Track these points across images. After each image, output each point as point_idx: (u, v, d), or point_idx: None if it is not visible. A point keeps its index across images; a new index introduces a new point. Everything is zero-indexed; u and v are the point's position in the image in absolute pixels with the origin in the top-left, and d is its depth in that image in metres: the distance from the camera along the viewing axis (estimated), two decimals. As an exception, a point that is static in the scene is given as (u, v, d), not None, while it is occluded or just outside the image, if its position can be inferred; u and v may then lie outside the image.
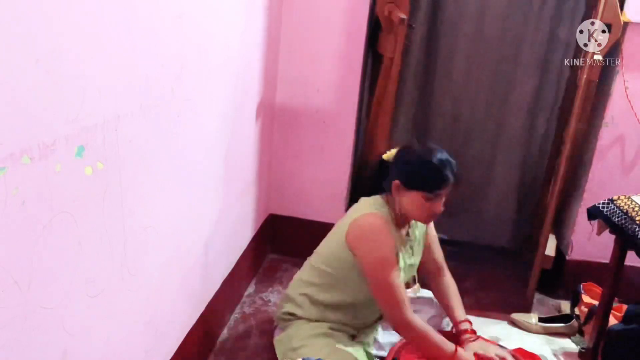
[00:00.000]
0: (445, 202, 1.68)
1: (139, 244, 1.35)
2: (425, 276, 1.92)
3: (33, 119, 0.91)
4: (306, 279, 1.83)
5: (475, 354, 1.69)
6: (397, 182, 1.68)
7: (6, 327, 0.91)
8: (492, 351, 1.71)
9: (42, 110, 0.93)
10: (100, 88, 1.08)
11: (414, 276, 1.88)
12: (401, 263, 1.72)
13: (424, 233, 1.88)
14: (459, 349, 1.66)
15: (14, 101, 0.86)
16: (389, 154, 1.77)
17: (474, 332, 1.78)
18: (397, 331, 1.73)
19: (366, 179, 1.88)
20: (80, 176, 1.06)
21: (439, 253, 1.92)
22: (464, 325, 1.78)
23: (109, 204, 1.17)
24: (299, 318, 1.79)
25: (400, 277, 1.67)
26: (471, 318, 1.84)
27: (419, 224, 1.84)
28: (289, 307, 1.82)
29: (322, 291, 1.77)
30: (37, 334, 1.00)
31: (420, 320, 1.67)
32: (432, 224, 1.91)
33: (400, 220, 1.75)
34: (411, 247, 1.81)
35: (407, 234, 1.80)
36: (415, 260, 1.84)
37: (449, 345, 1.65)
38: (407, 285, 1.87)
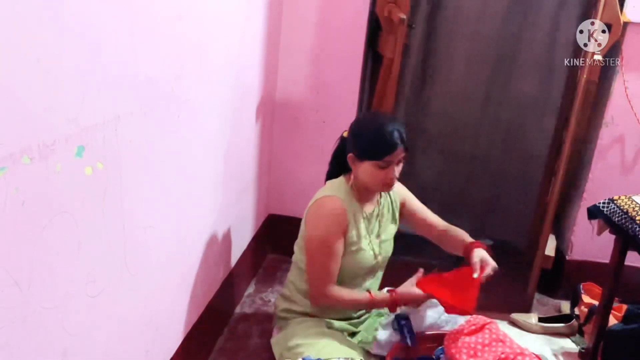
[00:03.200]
0: (401, 169, 1.72)
1: (139, 244, 1.35)
2: (437, 244, 1.95)
3: (33, 119, 0.91)
4: (294, 274, 1.87)
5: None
6: (350, 154, 1.72)
7: (6, 327, 0.91)
8: (412, 290, 1.74)
9: (42, 110, 0.93)
10: (100, 88, 1.08)
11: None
12: (359, 238, 1.75)
13: (396, 208, 1.89)
14: (373, 293, 1.74)
15: (14, 101, 0.86)
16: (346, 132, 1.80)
17: (482, 245, 1.84)
18: (314, 303, 1.77)
19: (333, 159, 1.88)
20: (80, 176, 1.06)
21: (433, 218, 1.93)
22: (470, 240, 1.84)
23: (109, 204, 1.17)
24: (297, 313, 1.80)
25: (337, 258, 1.71)
26: (471, 318, 1.84)
27: (388, 200, 1.87)
28: (285, 305, 1.85)
29: (307, 284, 1.80)
30: (37, 334, 1.00)
31: (337, 290, 1.73)
32: (411, 197, 1.93)
33: (364, 196, 1.77)
34: (379, 222, 1.83)
35: (374, 210, 1.82)
36: (387, 237, 1.86)
37: (363, 296, 1.74)
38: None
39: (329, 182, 1.83)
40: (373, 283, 1.87)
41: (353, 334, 1.82)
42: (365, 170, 1.68)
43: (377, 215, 1.83)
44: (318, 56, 2.44)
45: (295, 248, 1.88)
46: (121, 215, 1.23)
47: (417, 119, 2.85)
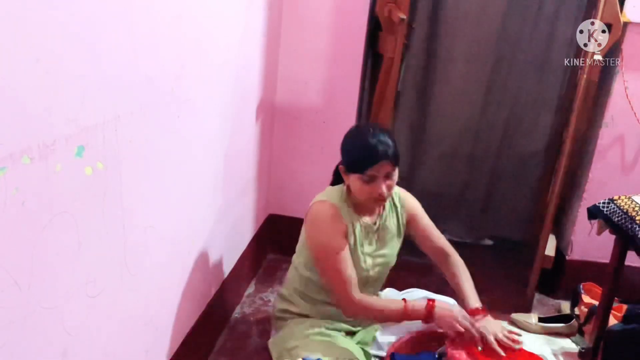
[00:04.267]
0: (389, 184, 1.64)
1: (139, 244, 1.35)
2: (436, 265, 1.89)
3: (33, 119, 0.91)
4: (292, 275, 1.85)
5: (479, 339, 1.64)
6: (341, 166, 1.71)
7: (6, 327, 0.91)
8: (489, 332, 1.63)
9: (42, 110, 0.93)
10: (100, 88, 1.08)
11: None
12: (354, 246, 1.71)
13: (402, 224, 1.83)
14: (408, 302, 1.65)
15: (14, 101, 0.86)
16: None
17: (483, 310, 1.72)
18: (344, 313, 1.72)
19: (335, 171, 1.84)
20: (80, 176, 1.06)
21: (438, 240, 1.87)
22: (474, 305, 1.73)
23: (109, 204, 1.17)
24: (294, 314, 1.80)
25: (348, 262, 1.66)
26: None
27: (395, 214, 1.82)
28: (283, 305, 1.84)
29: (306, 286, 1.79)
30: (37, 334, 1.00)
31: (366, 296, 1.68)
32: (420, 213, 1.87)
33: (362, 207, 1.74)
34: (378, 238, 1.78)
35: (376, 223, 1.77)
36: (389, 251, 1.80)
37: (397, 304, 1.66)
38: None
39: (328, 188, 1.81)
40: None
41: (352, 334, 1.82)
42: (353, 183, 1.66)
43: (377, 229, 1.78)
44: (318, 56, 2.44)
45: (297, 248, 1.87)
46: (121, 215, 1.23)
47: (417, 119, 2.85)
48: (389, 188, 1.65)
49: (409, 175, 2.92)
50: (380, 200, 1.67)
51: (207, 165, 1.79)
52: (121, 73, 1.16)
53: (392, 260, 1.84)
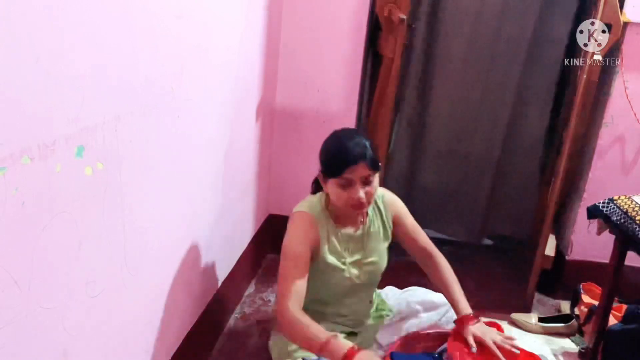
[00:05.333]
0: (367, 190, 1.58)
1: (139, 244, 1.35)
2: (420, 266, 1.85)
3: (33, 119, 0.91)
4: None
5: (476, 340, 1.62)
6: (319, 173, 1.67)
7: (6, 327, 0.91)
8: (488, 336, 1.62)
9: (42, 110, 0.93)
10: (100, 88, 1.08)
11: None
12: (333, 259, 1.67)
13: (389, 227, 1.80)
14: (334, 340, 1.45)
15: (14, 101, 0.86)
16: None
17: (476, 317, 1.69)
18: (277, 319, 1.64)
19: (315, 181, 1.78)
20: (80, 176, 1.06)
21: (424, 241, 1.82)
22: (465, 312, 1.70)
23: (109, 204, 1.17)
24: None
25: (298, 272, 1.57)
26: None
27: (379, 217, 1.78)
28: None
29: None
30: (37, 334, 1.00)
31: (299, 313, 1.52)
32: (405, 214, 1.82)
33: (342, 215, 1.69)
34: (363, 246, 1.74)
35: (360, 231, 1.72)
36: (376, 258, 1.77)
37: (322, 335, 1.47)
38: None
39: (308, 197, 1.77)
40: (357, 304, 1.79)
41: (353, 334, 1.81)
42: (330, 189, 1.61)
43: (361, 237, 1.74)
44: (318, 56, 2.45)
45: None
46: (121, 215, 1.24)
47: (417, 118, 2.85)
48: (369, 195, 1.59)
49: (408, 174, 2.92)
50: (359, 207, 1.60)
51: (207, 165, 1.79)
52: (121, 73, 1.16)
53: (382, 265, 1.80)
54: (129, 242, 1.29)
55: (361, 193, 1.57)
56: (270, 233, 2.64)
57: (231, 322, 2.18)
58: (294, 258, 1.60)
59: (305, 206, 1.70)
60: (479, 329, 1.65)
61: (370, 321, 1.86)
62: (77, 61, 1.00)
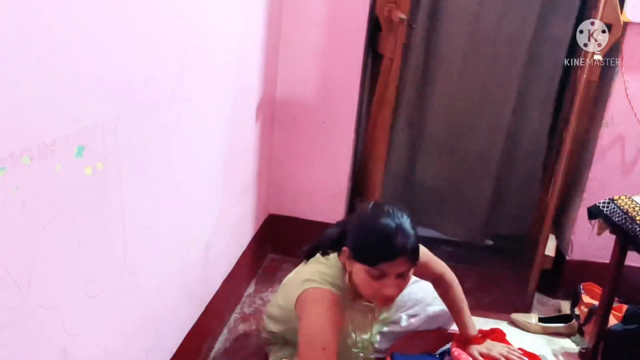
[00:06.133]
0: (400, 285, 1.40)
1: (139, 244, 1.35)
2: (430, 282, 1.82)
3: (33, 119, 0.91)
4: (276, 315, 1.73)
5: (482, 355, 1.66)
6: (346, 249, 1.46)
7: (6, 327, 0.91)
8: (496, 350, 1.65)
9: (42, 110, 0.93)
10: (100, 88, 1.08)
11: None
12: (350, 340, 1.57)
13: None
14: None
15: (14, 101, 0.86)
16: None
17: (483, 338, 1.73)
18: None
19: (326, 238, 1.59)
20: (80, 176, 1.06)
21: (435, 267, 1.74)
22: (473, 334, 1.71)
23: (109, 204, 1.17)
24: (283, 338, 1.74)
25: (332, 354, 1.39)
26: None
27: None
28: (272, 327, 1.76)
29: (290, 334, 1.66)
30: (37, 334, 1.00)
31: None
32: (427, 255, 1.67)
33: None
34: (376, 317, 1.64)
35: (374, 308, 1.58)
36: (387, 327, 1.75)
37: None
38: None
39: (319, 260, 1.55)
40: None
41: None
42: (357, 273, 1.42)
43: (372, 318, 1.63)
44: (318, 56, 2.45)
45: (281, 295, 1.71)
46: (121, 215, 1.23)
47: (417, 118, 2.85)
48: (400, 289, 1.42)
49: (409, 173, 2.92)
50: (387, 303, 1.44)
51: (207, 165, 1.79)
52: (121, 73, 1.16)
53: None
54: (129, 242, 1.29)
55: (394, 289, 1.39)
56: (270, 233, 2.64)
57: (231, 322, 2.18)
58: (323, 349, 1.37)
59: (327, 281, 1.47)
60: (485, 346, 1.66)
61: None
62: (77, 61, 1.00)
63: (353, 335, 1.62)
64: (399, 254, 1.35)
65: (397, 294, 1.42)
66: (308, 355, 1.38)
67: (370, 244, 1.39)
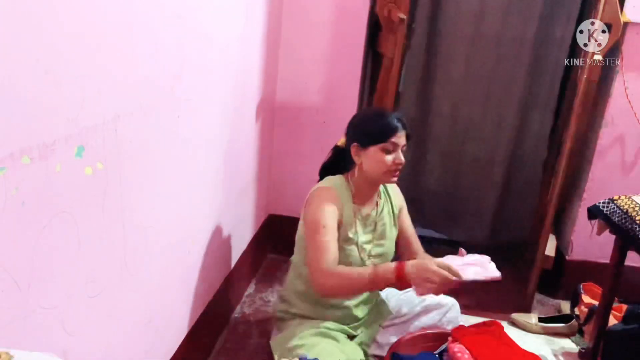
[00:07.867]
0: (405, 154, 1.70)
1: (139, 244, 1.35)
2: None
3: (33, 119, 0.91)
4: (292, 276, 1.85)
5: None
6: (354, 145, 1.71)
7: (6, 327, 0.91)
8: (429, 264, 1.53)
9: (42, 110, 0.93)
10: (100, 88, 1.08)
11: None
12: (351, 234, 1.72)
13: (395, 214, 1.84)
14: (378, 267, 1.55)
15: (14, 101, 0.86)
16: (341, 140, 1.81)
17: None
18: (315, 286, 1.61)
19: (324, 170, 1.85)
20: (80, 176, 1.06)
21: (417, 246, 1.87)
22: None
23: (109, 204, 1.17)
24: (293, 315, 1.79)
25: (331, 236, 1.62)
26: (471, 318, 1.84)
27: (389, 203, 1.83)
28: (283, 306, 1.83)
29: (306, 284, 1.75)
30: (37, 334, 1.00)
31: (335, 267, 1.59)
32: (406, 211, 1.88)
33: (362, 196, 1.75)
34: (375, 228, 1.79)
35: (374, 213, 1.78)
36: (387, 241, 1.80)
37: (366, 271, 1.56)
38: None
39: (327, 178, 1.80)
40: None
41: (352, 337, 1.81)
42: (371, 157, 1.68)
43: (375, 219, 1.79)
44: (318, 56, 2.45)
45: (295, 249, 1.87)
46: (121, 215, 1.23)
47: (418, 119, 2.85)
48: (403, 161, 1.71)
49: (411, 174, 2.91)
50: (397, 170, 1.70)
51: (207, 165, 1.79)
52: (121, 73, 1.16)
53: (391, 250, 1.84)
54: (129, 242, 1.29)
55: (403, 158, 1.68)
56: (270, 233, 2.64)
57: (231, 322, 2.18)
58: (323, 229, 1.63)
59: (327, 183, 1.75)
60: (434, 261, 1.56)
61: (369, 318, 1.86)
62: (77, 61, 1.00)
63: (359, 238, 1.74)
64: (399, 127, 1.67)
65: (404, 163, 1.70)
66: (313, 236, 1.63)
67: (377, 126, 1.68)
